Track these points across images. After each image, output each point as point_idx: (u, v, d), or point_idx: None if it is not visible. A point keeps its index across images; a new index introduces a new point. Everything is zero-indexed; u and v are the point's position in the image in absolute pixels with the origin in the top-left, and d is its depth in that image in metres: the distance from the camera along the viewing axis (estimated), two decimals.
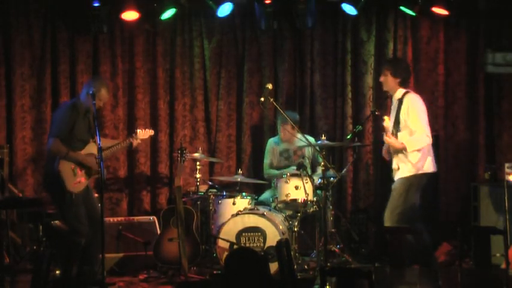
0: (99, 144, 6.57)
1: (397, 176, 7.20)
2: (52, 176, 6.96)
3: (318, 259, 7.47)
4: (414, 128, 7.07)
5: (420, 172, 7.13)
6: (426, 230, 7.23)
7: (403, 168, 7.14)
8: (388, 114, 7.35)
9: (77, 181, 6.99)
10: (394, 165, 7.22)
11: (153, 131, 7.82)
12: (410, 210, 7.05)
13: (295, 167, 7.84)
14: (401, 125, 7.11)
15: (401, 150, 7.08)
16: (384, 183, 8.51)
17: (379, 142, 8.69)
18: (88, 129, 7.14)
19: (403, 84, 7.25)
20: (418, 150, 7.08)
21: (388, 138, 7.08)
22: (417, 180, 7.15)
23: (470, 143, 8.96)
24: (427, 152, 7.18)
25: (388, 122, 7.14)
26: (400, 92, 7.21)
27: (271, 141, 8.51)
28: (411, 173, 7.12)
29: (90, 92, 6.92)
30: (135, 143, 7.52)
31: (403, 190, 7.11)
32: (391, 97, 7.45)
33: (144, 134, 7.62)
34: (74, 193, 6.94)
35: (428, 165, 7.17)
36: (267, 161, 8.47)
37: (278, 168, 8.31)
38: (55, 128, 7.06)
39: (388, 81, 7.25)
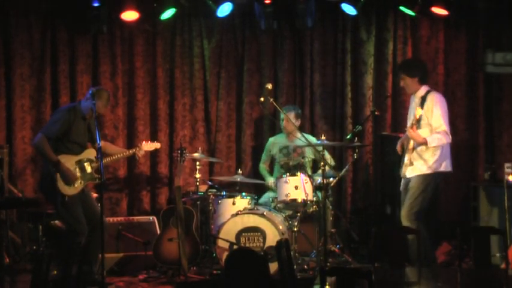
0: (98, 144, 6.59)
1: (410, 172, 7.25)
2: (48, 177, 6.98)
3: (318, 259, 7.47)
4: (436, 125, 7.17)
5: (438, 171, 7.20)
6: (429, 230, 7.27)
7: (417, 166, 7.20)
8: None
9: (72, 184, 7.00)
10: (406, 161, 7.28)
11: (159, 144, 7.85)
12: (425, 209, 7.13)
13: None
14: (423, 121, 7.18)
15: (420, 146, 7.13)
16: (384, 183, 8.52)
17: (378, 142, 8.72)
18: (85, 134, 7.15)
19: (423, 81, 7.38)
20: (436, 149, 7.14)
21: (412, 131, 7.13)
22: (434, 180, 7.27)
23: (470, 143, 8.96)
24: (445, 153, 7.27)
25: (419, 113, 7.16)
26: (422, 89, 7.35)
27: (271, 139, 8.53)
28: (429, 172, 7.18)
29: (90, 92, 6.95)
30: (140, 154, 7.54)
31: (422, 189, 7.18)
32: (409, 94, 7.48)
33: (149, 146, 7.65)
34: (68, 195, 6.95)
35: (447, 165, 7.29)
36: (264, 157, 8.51)
37: (280, 165, 8.31)
38: (47, 126, 7.15)
39: (408, 84, 7.39)
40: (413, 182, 7.25)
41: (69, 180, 6.97)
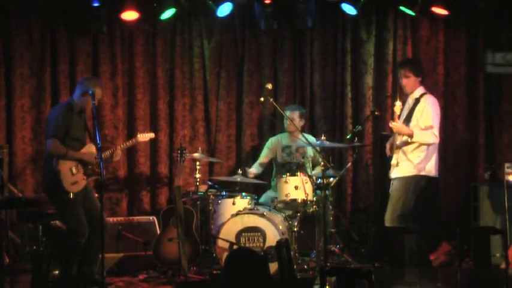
0: (98, 144, 6.59)
1: (395, 172, 7.23)
2: (51, 176, 6.97)
3: (318, 259, 7.47)
4: (425, 126, 7.12)
5: (421, 174, 7.15)
6: (422, 231, 7.25)
7: (403, 166, 7.16)
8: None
9: (75, 181, 6.98)
10: (393, 161, 7.26)
11: (153, 134, 7.88)
12: (408, 212, 7.09)
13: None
14: (413, 123, 7.16)
15: (405, 145, 7.10)
16: (383, 183, 8.51)
17: (378, 142, 8.72)
18: (83, 129, 7.14)
19: (423, 82, 7.40)
20: (421, 151, 7.10)
21: (396, 123, 7.10)
22: (416, 183, 7.17)
23: (470, 143, 8.96)
24: (431, 154, 7.20)
25: (399, 108, 7.16)
26: (418, 91, 7.31)
27: (272, 138, 8.51)
28: (411, 174, 7.13)
29: (90, 92, 6.91)
30: (134, 141, 7.65)
31: (402, 193, 7.14)
32: (406, 94, 7.46)
33: (144, 137, 7.68)
34: (72, 193, 6.94)
35: (430, 169, 7.20)
36: (262, 154, 8.47)
37: (281, 164, 8.30)
38: (52, 128, 7.03)
39: (412, 82, 7.36)
40: (395, 184, 7.23)
41: (91, 166, 7.03)
